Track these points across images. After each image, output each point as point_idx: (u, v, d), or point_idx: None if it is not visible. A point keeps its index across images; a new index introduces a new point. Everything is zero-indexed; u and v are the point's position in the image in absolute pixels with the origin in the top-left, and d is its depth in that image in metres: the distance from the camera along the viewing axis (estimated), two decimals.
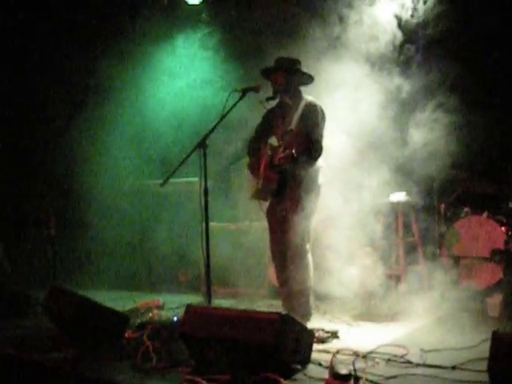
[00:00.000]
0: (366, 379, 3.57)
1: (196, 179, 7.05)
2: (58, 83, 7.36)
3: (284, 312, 3.93)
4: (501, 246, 5.64)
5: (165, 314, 5.47)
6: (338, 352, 3.87)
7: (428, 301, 5.48)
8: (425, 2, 5.37)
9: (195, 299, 6.30)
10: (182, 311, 5.54)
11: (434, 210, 6.47)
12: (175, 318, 4.97)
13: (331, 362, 3.70)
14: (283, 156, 4.70)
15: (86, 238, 7.37)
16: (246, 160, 5.75)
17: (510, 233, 5.69)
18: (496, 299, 5.19)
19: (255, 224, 6.77)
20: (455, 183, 6.43)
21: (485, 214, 5.93)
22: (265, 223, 6.42)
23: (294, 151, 4.64)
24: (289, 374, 3.75)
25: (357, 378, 3.54)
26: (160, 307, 5.70)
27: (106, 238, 7.26)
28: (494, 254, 5.68)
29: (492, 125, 6.06)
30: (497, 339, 3.10)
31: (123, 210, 7.43)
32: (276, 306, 5.69)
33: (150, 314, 5.35)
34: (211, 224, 4.86)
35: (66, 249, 7.16)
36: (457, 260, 5.75)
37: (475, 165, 6.32)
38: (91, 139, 7.33)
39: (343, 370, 3.61)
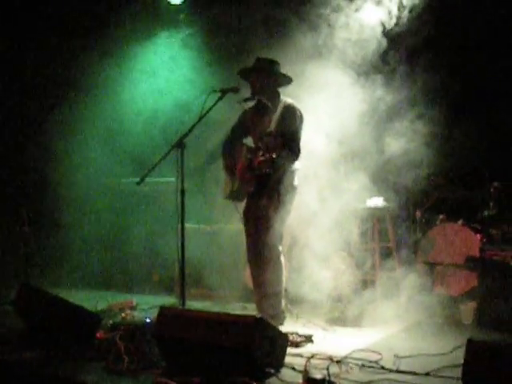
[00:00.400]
0: None
1: (172, 179, 7.04)
2: (34, 79, 7.24)
3: (258, 315, 3.88)
4: (475, 253, 5.67)
5: (137, 315, 5.43)
6: (312, 356, 3.83)
7: (402, 307, 5.51)
8: (410, 11, 5.38)
9: (168, 300, 6.24)
10: (154, 312, 5.50)
11: (410, 216, 6.51)
12: (148, 320, 4.90)
13: (305, 366, 3.68)
14: (263, 160, 4.67)
15: (59, 235, 7.26)
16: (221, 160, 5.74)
17: (484, 240, 5.72)
18: (469, 306, 5.22)
19: (231, 226, 6.74)
20: (431, 190, 6.46)
21: (460, 222, 5.96)
22: (240, 225, 6.42)
23: (274, 155, 4.61)
24: (262, 377, 3.72)
25: (331, 383, 3.53)
26: (133, 308, 5.64)
27: (80, 237, 7.17)
28: (469, 262, 5.71)
29: (468, 133, 6.11)
30: (471, 347, 3.10)
31: (98, 208, 7.34)
32: (250, 309, 5.67)
33: (123, 315, 5.30)
34: (186, 225, 4.81)
35: (39, 246, 7.04)
36: (432, 266, 5.76)
37: (451, 172, 6.36)
38: (67, 136, 7.22)
39: (317, 375, 3.59)
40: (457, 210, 6.22)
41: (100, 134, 7.25)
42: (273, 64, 5.14)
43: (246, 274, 6.46)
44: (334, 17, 5.27)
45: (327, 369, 3.60)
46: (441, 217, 6.21)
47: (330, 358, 3.96)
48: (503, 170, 6.10)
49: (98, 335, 4.56)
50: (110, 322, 4.83)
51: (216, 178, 7.07)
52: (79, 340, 4.49)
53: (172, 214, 6.88)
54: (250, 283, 6.30)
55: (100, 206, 7.33)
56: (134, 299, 5.87)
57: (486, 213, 6.00)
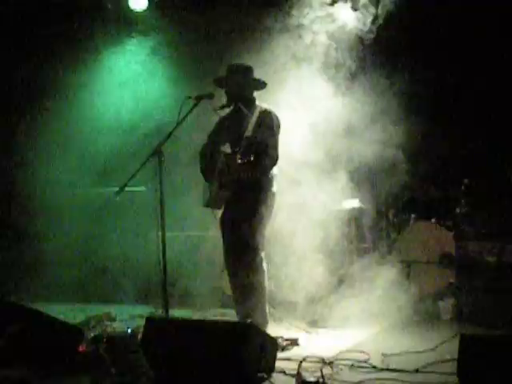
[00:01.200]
0: None
1: (142, 188, 6.99)
2: (1, 89, 7.09)
3: (248, 321, 3.87)
4: (450, 250, 5.78)
5: (118, 326, 5.35)
6: (304, 360, 3.84)
7: (381, 306, 5.56)
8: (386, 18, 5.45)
9: (145, 310, 6.19)
10: (134, 323, 5.53)
11: (383, 216, 6.59)
12: (129, 330, 4.86)
13: (298, 369, 3.68)
14: (241, 163, 4.66)
15: (30, 248, 7.11)
16: (197, 167, 5.72)
17: (458, 237, 5.83)
18: (448, 303, 5.31)
19: (208, 233, 6.71)
20: (402, 190, 6.55)
21: (433, 220, 6.06)
22: (216, 232, 6.40)
23: (252, 158, 4.61)
24: (254, 383, 3.71)
25: None
26: (112, 319, 5.55)
27: (52, 249, 7.03)
28: (444, 259, 5.81)
29: (439, 132, 6.23)
30: (465, 341, 3.15)
31: (68, 219, 7.21)
32: (229, 315, 5.65)
33: (103, 327, 5.22)
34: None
35: (9, 260, 6.88)
36: (407, 265, 5.84)
37: (422, 171, 6.46)
38: (36, 146, 7.08)
39: (310, 378, 3.60)
40: (429, 208, 6.31)
41: (69, 143, 7.13)
42: (246, 70, 5.14)
43: (224, 281, 6.45)
44: (308, 21, 5.30)
45: (321, 371, 3.60)
46: (413, 216, 6.31)
47: (323, 360, 3.97)
48: (473, 167, 6.23)
49: (80, 348, 4.48)
50: (91, 334, 4.75)
51: (190, 185, 7.07)
52: (61, 354, 4.40)
53: (144, 223, 6.93)
54: (227, 289, 6.30)
55: (70, 217, 7.20)
56: (112, 310, 5.78)
57: (457, 210, 6.11)
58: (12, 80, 7.08)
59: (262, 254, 5.09)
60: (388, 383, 3.69)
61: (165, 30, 6.95)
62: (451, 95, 6.32)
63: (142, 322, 5.33)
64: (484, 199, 6.09)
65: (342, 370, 3.95)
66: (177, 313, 5.58)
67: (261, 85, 5.20)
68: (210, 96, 4.93)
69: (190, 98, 4.87)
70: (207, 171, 5.25)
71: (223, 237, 5.29)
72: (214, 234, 6.49)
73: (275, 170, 5.12)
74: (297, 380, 3.64)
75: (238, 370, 3.64)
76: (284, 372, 3.92)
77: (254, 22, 5.77)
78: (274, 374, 3.89)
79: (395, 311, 5.49)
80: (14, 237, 7.10)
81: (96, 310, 5.91)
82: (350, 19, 5.39)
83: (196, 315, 5.86)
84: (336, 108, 5.42)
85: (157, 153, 4.66)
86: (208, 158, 5.26)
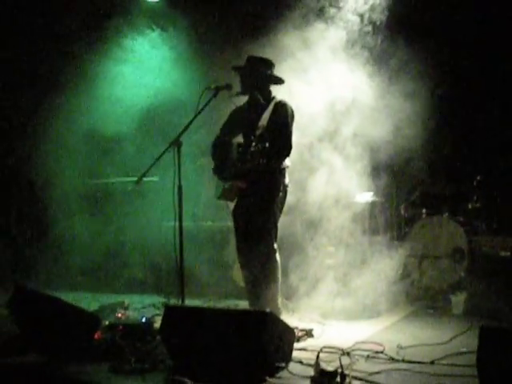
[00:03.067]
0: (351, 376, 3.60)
1: (154, 178, 7.01)
2: (16, 80, 7.11)
3: (268, 309, 3.90)
4: (461, 245, 5.82)
5: (131, 315, 5.38)
6: (321, 350, 3.88)
7: (393, 300, 5.61)
8: None
9: (157, 299, 6.21)
10: (147, 312, 5.58)
11: (394, 211, 6.62)
12: (144, 319, 4.90)
13: (317, 359, 3.71)
14: (256, 150, 4.67)
15: (47, 238, 7.15)
16: (207, 159, 5.75)
17: (470, 232, 5.86)
18: (460, 297, 5.34)
19: (217, 223, 6.75)
20: (415, 185, 6.58)
21: (445, 215, 6.09)
22: (227, 223, 6.44)
23: (267, 145, 4.63)
24: (273, 372, 3.74)
25: (343, 375, 3.57)
26: (126, 308, 5.58)
27: (66, 238, 7.07)
28: (455, 254, 5.84)
29: (452, 127, 6.25)
30: (485, 333, 3.19)
31: (82, 209, 7.26)
32: (242, 306, 5.67)
33: (117, 315, 5.24)
34: (172, 224, 4.77)
35: (26, 248, 6.92)
36: (419, 259, 5.87)
37: (434, 166, 6.48)
38: (52, 135, 7.09)
39: (329, 367, 3.63)
40: (440, 203, 6.34)
41: (84, 134, 7.16)
42: (266, 63, 5.17)
43: (235, 272, 6.49)
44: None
45: (340, 361, 3.63)
46: (424, 211, 6.34)
47: (342, 351, 4.01)
48: (486, 164, 6.26)
49: (96, 336, 4.52)
50: (106, 322, 4.78)
51: (202, 176, 7.10)
52: (78, 342, 4.43)
53: (157, 212, 6.96)
54: (239, 280, 6.34)
55: (83, 207, 7.25)
56: (126, 299, 5.82)
57: (469, 206, 6.15)
58: (25, 73, 7.09)
59: (275, 246, 5.13)
60: (405, 374, 3.73)
61: (180, 20, 6.96)
62: (467, 91, 6.34)
63: (155, 311, 5.53)
64: (496, 195, 6.12)
65: (358, 360, 3.98)
66: (188, 303, 5.61)
67: (279, 81, 5.23)
68: (229, 87, 4.96)
69: (209, 88, 4.90)
70: (217, 162, 5.27)
71: (236, 228, 5.33)
72: (226, 225, 6.56)
73: (287, 162, 5.15)
74: (315, 369, 3.67)
75: (257, 358, 3.68)
76: (301, 362, 3.96)
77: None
78: (292, 364, 3.93)
79: (407, 305, 5.56)
80: (29, 227, 7.13)
81: (108, 298, 5.93)
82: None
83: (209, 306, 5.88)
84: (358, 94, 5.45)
85: (175, 143, 4.70)
86: (221, 151, 5.28)
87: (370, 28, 5.48)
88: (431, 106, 6.05)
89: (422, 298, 5.54)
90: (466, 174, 6.25)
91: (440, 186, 6.40)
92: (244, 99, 5.30)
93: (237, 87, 5.17)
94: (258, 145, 4.69)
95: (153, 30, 7.03)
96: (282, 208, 5.23)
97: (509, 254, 5.33)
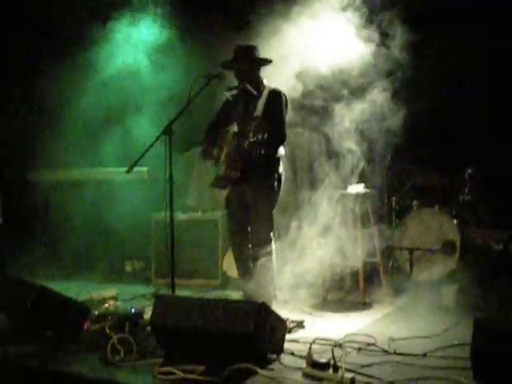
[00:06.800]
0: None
1: (143, 168, 6.95)
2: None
3: (260, 300, 3.87)
4: (453, 237, 5.81)
5: (120, 305, 5.33)
6: (314, 341, 3.85)
7: (384, 292, 5.61)
8: None
9: (146, 290, 6.17)
10: (136, 302, 5.53)
11: (385, 202, 6.60)
12: (133, 310, 4.84)
13: (309, 350, 3.69)
14: (254, 141, 4.64)
15: (31, 227, 7.08)
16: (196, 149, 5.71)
17: (461, 224, 5.85)
18: (450, 289, 5.33)
19: (207, 214, 6.71)
20: (405, 176, 6.56)
21: (436, 207, 6.07)
22: (217, 212, 6.40)
23: (265, 135, 4.60)
24: (265, 363, 3.72)
25: (335, 367, 3.55)
26: (115, 298, 5.53)
27: (53, 228, 7.00)
28: (446, 246, 5.84)
29: (441, 118, 6.23)
30: (479, 325, 3.18)
31: (70, 198, 7.19)
32: (234, 297, 5.64)
33: (106, 305, 5.19)
34: (162, 215, 4.77)
35: (11, 238, 6.83)
36: (410, 252, 5.85)
37: (425, 158, 6.46)
38: (40, 122, 7.02)
39: (322, 359, 3.61)
40: (431, 196, 6.33)
41: (72, 121, 7.07)
42: (252, 50, 5.13)
43: (224, 263, 6.46)
44: None
45: (332, 352, 3.60)
46: (414, 203, 6.32)
47: (334, 342, 3.98)
48: (477, 156, 6.24)
49: (85, 326, 4.47)
50: (95, 312, 4.73)
51: (190, 166, 7.06)
52: (67, 332, 4.39)
53: (143, 203, 6.90)
54: (229, 271, 6.32)
55: (73, 197, 7.20)
56: (114, 290, 5.77)
57: (460, 198, 6.14)
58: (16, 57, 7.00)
59: (271, 235, 5.10)
60: (398, 366, 3.72)
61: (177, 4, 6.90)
62: (459, 79, 6.31)
63: (145, 302, 5.48)
64: (488, 188, 6.12)
65: (349, 352, 3.96)
66: (178, 294, 5.58)
67: (267, 62, 5.19)
68: (221, 76, 4.92)
69: (200, 76, 4.85)
70: (211, 151, 5.22)
71: (230, 216, 5.30)
72: (213, 215, 6.52)
73: (282, 151, 5.13)
74: (307, 361, 3.65)
75: (249, 349, 3.65)
76: (293, 353, 3.94)
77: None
78: (283, 355, 3.90)
79: (398, 297, 5.55)
80: (17, 217, 7.06)
81: (98, 288, 5.88)
82: None
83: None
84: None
85: (166, 132, 4.65)
86: (214, 139, 5.24)
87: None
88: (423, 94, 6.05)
89: (412, 290, 5.52)
90: (457, 167, 6.23)
91: (431, 178, 6.38)
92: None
93: (231, 77, 5.13)
94: (257, 135, 4.67)
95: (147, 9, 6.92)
96: (277, 196, 5.20)
97: (501, 247, 5.34)
